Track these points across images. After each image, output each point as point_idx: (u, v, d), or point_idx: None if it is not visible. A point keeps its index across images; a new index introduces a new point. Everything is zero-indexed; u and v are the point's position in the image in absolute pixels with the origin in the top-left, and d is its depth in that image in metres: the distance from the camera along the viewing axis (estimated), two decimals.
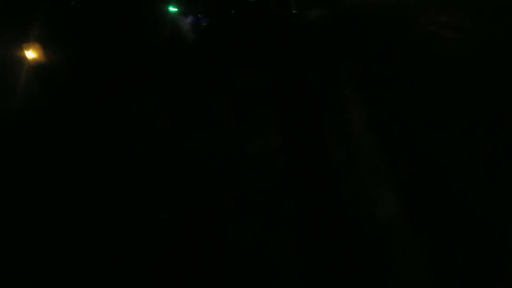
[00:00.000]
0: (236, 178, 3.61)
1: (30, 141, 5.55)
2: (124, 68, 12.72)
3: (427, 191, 2.47)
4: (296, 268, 2.31)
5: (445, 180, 2.48)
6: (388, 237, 2.25)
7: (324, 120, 4.25)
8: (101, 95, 8.87)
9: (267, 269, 2.37)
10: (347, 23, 11.27)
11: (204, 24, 17.53)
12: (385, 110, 3.97)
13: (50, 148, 5.33)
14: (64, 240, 3.18)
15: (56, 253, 3.04)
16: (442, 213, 2.23)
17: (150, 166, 4.41)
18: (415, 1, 9.94)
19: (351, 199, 2.70)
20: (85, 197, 3.86)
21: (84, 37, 13.14)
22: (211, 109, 5.97)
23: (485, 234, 2.01)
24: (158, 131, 5.55)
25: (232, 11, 16.31)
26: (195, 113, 5.98)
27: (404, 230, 2.26)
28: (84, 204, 3.72)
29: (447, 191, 2.39)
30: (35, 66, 8.39)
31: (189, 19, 18.69)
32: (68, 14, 11.80)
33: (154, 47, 14.57)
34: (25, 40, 8.46)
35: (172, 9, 16.58)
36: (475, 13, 6.39)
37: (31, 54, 8.54)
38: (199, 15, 19.14)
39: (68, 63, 11.51)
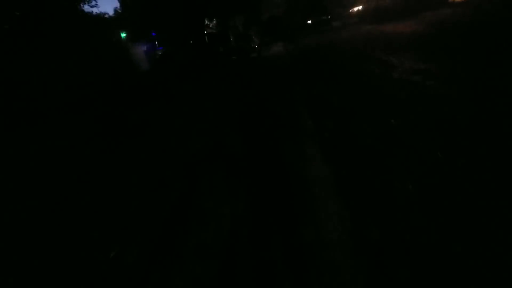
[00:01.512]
0: None
1: None
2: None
3: None
4: None
5: None
6: None
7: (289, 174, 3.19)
8: None
9: None
10: (308, 62, 10.79)
11: (159, 52, 16.48)
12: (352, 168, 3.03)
13: None
14: None
15: None
16: None
17: None
18: (374, 45, 9.72)
19: None
20: None
21: None
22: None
23: None
24: None
25: (191, 41, 15.52)
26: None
27: None
28: None
29: None
30: None
31: (144, 47, 17.64)
32: None
33: (104, 74, 13.30)
34: None
35: (124, 35, 15.55)
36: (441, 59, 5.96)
37: None
38: (155, 43, 18.17)
39: None
